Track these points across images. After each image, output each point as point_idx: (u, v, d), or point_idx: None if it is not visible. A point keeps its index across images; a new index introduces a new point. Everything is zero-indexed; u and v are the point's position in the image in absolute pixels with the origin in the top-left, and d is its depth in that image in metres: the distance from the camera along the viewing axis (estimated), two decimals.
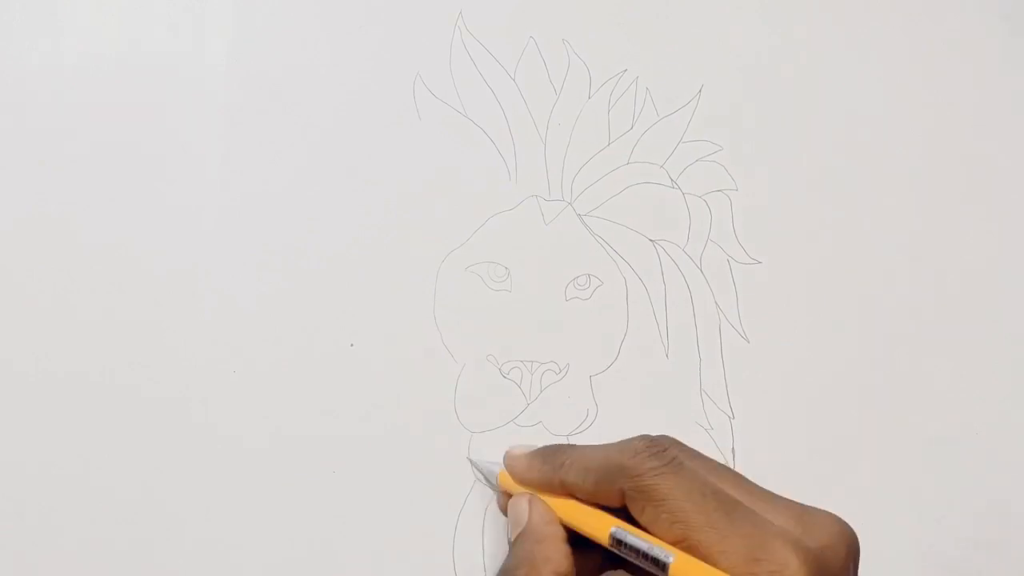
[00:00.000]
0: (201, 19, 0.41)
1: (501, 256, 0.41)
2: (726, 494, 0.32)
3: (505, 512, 0.37)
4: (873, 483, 0.42)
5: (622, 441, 0.34)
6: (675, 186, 0.43)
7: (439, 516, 0.40)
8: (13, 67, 0.40)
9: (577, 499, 0.35)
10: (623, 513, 0.33)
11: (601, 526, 0.33)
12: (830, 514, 0.32)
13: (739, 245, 0.43)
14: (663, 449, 0.33)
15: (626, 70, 0.43)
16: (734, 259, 0.43)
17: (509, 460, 0.37)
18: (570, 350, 0.41)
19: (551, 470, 0.35)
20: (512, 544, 0.35)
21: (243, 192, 0.40)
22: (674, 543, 0.31)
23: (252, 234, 0.40)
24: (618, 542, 0.32)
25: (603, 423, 0.41)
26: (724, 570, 0.29)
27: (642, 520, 0.32)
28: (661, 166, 0.43)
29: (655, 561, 0.31)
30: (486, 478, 0.38)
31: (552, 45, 0.43)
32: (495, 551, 0.40)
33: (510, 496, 0.36)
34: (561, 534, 0.34)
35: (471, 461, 0.39)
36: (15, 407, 0.38)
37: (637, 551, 0.32)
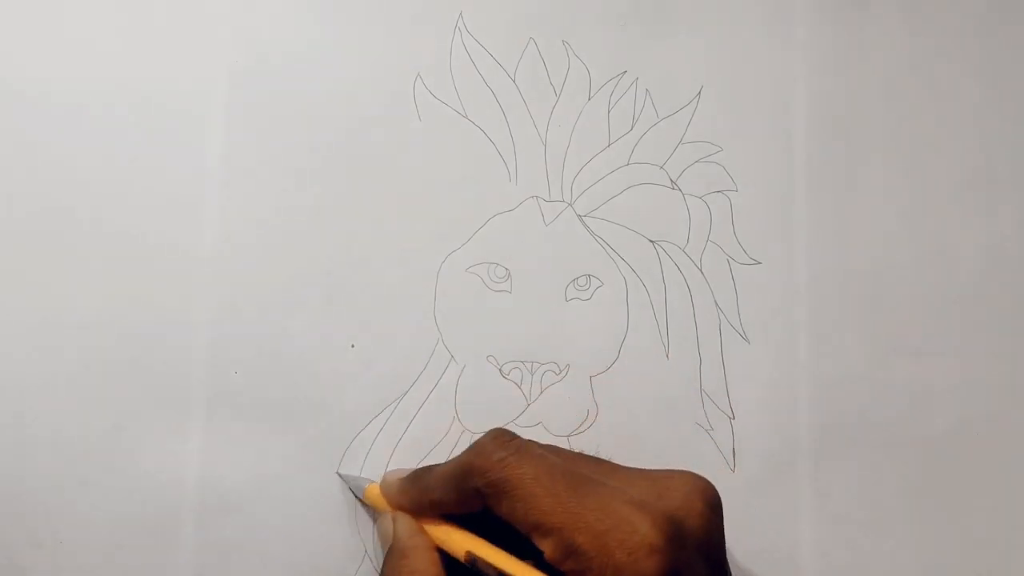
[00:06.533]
0: (201, 19, 0.41)
1: (501, 257, 0.41)
2: (575, 472, 0.32)
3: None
4: (873, 483, 0.42)
5: (469, 447, 0.34)
6: (675, 187, 0.43)
7: None
8: (12, 66, 0.40)
9: (447, 517, 0.35)
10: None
11: (459, 547, 0.33)
12: (685, 472, 0.32)
13: (739, 245, 0.43)
14: (509, 440, 0.33)
15: (626, 71, 0.43)
16: (734, 259, 0.43)
17: (384, 486, 0.37)
18: (570, 350, 0.41)
19: (419, 492, 0.35)
20: (383, 564, 0.35)
21: (243, 192, 0.40)
22: (531, 531, 0.31)
23: (252, 234, 0.40)
24: (473, 562, 0.33)
25: (603, 423, 0.41)
26: (581, 545, 0.30)
27: (502, 514, 0.32)
28: (661, 167, 0.43)
29: None
30: (354, 494, 0.39)
31: (552, 46, 0.43)
32: None
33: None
34: (428, 544, 0.34)
35: (340, 476, 0.39)
36: (14, 409, 0.38)
37: (490, 571, 0.32)
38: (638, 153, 0.43)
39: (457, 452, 0.40)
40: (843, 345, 0.43)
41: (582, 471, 0.33)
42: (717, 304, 0.42)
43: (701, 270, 0.42)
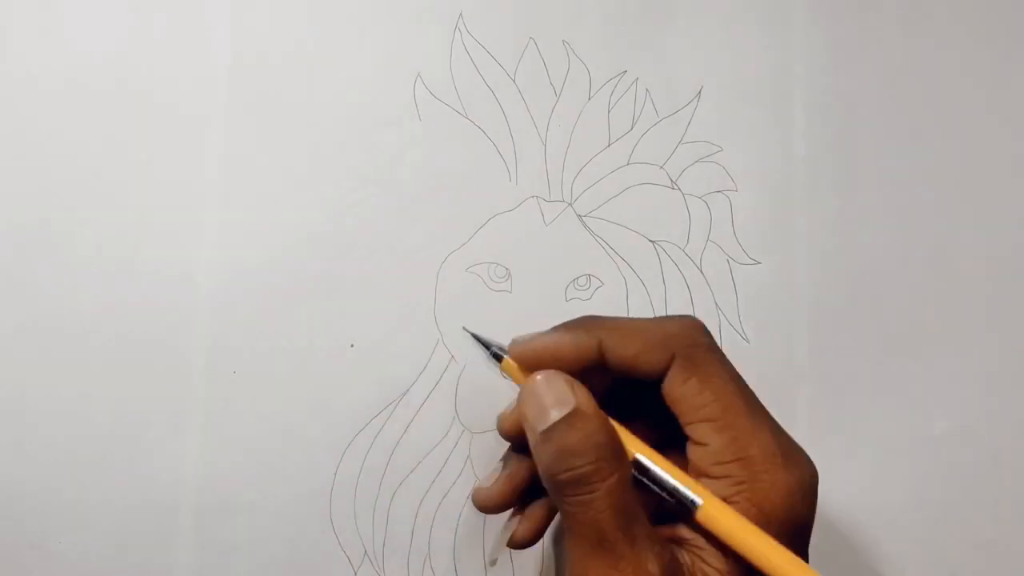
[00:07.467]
0: (201, 20, 0.41)
1: (501, 257, 0.41)
2: (756, 398, 0.33)
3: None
4: (873, 483, 0.42)
5: (667, 316, 0.35)
6: (675, 187, 0.43)
7: (442, 514, 0.40)
8: (12, 66, 0.40)
9: (609, 366, 0.32)
10: (647, 398, 0.32)
11: (627, 444, 0.31)
12: (805, 453, 0.33)
13: (739, 245, 0.43)
14: (711, 334, 0.33)
15: (626, 71, 0.43)
16: (734, 259, 0.43)
17: (518, 340, 0.33)
18: None
19: (584, 333, 0.32)
20: (551, 429, 0.30)
21: (243, 192, 0.40)
22: (705, 420, 0.31)
23: (252, 234, 0.40)
24: (642, 469, 0.31)
25: None
26: (754, 456, 0.30)
27: (681, 390, 0.31)
28: (661, 167, 0.43)
29: (677, 497, 0.31)
30: (488, 352, 0.34)
31: (552, 46, 0.43)
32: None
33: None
34: (616, 435, 0.31)
35: (467, 331, 0.35)
36: (14, 409, 0.38)
37: (660, 483, 0.31)
38: (638, 153, 0.43)
39: (457, 452, 0.40)
40: (843, 345, 0.43)
41: (758, 400, 0.33)
42: (717, 304, 0.42)
43: (701, 270, 0.42)
